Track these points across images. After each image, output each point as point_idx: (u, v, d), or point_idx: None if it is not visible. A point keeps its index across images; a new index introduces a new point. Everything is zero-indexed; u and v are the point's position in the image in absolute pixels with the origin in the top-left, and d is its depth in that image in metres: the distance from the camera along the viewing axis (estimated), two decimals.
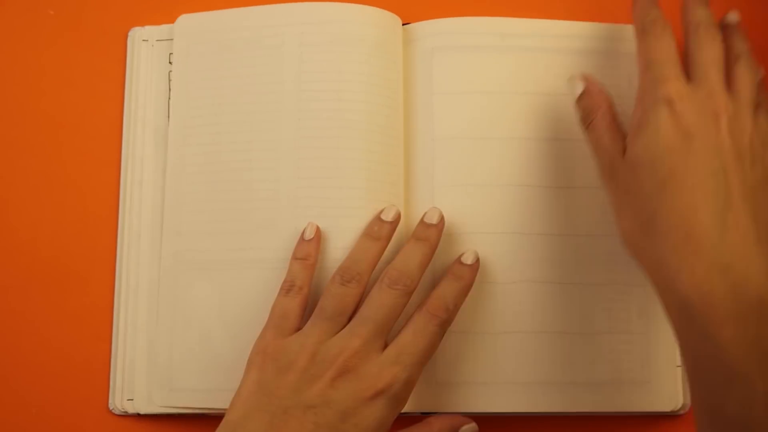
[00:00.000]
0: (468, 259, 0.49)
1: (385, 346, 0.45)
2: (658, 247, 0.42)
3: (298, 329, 0.46)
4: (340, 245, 0.49)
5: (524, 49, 0.54)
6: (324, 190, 0.50)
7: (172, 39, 0.54)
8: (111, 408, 0.51)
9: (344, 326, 0.45)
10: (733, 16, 0.50)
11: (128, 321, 0.51)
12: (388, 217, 0.49)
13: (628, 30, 0.53)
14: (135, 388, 0.51)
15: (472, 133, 0.52)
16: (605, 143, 0.46)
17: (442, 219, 0.49)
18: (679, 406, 0.50)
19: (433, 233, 0.48)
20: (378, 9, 0.53)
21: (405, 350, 0.44)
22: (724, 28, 0.49)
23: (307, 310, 0.47)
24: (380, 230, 0.48)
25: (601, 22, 0.55)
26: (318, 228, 0.49)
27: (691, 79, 0.45)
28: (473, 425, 0.46)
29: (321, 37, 0.52)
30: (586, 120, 0.48)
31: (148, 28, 0.55)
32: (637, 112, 0.45)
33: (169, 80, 0.54)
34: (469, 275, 0.49)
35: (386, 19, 0.53)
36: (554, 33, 0.54)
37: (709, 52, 0.46)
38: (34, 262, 0.53)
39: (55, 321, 0.52)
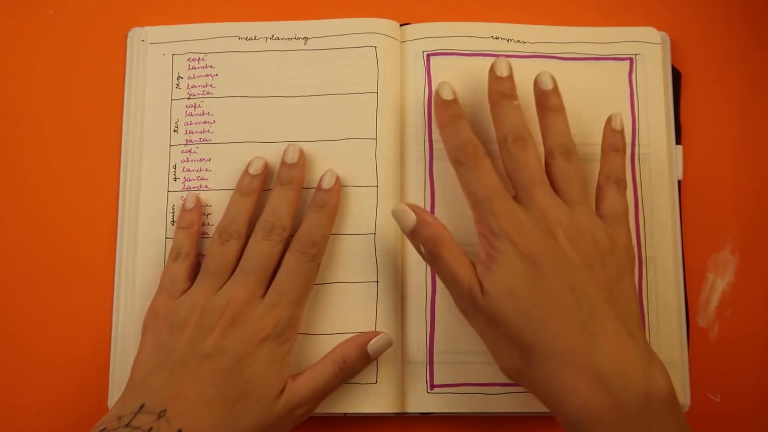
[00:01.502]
0: (327, 183, 0.50)
1: (266, 291, 0.47)
2: (541, 374, 0.42)
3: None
4: None
5: (520, 54, 0.54)
6: None
7: (171, 41, 0.54)
8: (111, 407, 0.51)
9: (227, 280, 0.48)
10: (546, 82, 0.49)
11: (127, 321, 0.51)
12: (255, 170, 0.50)
13: (621, 32, 0.54)
14: None
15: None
16: (461, 276, 0.45)
17: (302, 155, 0.50)
18: None
19: (297, 173, 0.50)
20: (354, 19, 0.54)
21: (283, 291, 0.47)
22: (538, 102, 0.50)
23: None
24: (250, 185, 0.50)
25: (595, 27, 0.55)
26: (198, 197, 0.51)
27: (518, 198, 0.47)
28: (383, 336, 0.48)
29: (299, 52, 0.54)
30: (433, 252, 0.47)
31: (147, 28, 0.55)
32: (483, 245, 0.46)
33: (176, 86, 0.54)
34: (332, 200, 0.50)
35: (364, 27, 0.54)
36: (550, 39, 0.55)
37: (526, 167, 0.47)
38: (34, 262, 0.53)
39: (55, 321, 0.52)
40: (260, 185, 0.50)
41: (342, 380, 0.48)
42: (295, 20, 0.54)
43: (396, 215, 0.48)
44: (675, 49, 0.55)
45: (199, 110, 0.53)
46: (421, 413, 0.50)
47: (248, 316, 0.46)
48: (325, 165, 0.51)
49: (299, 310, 0.47)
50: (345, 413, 0.49)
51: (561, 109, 0.49)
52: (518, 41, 0.54)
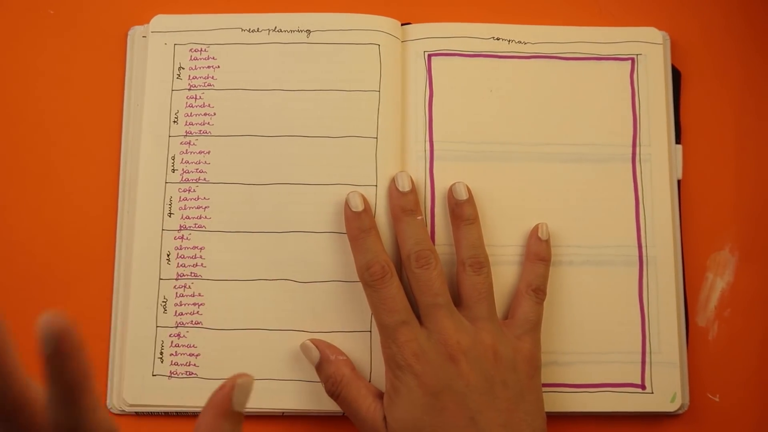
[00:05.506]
0: None
1: None
2: None
3: None
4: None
5: (521, 55, 0.54)
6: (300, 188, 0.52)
7: (173, 31, 0.54)
8: (109, 407, 0.51)
9: None
10: (461, 192, 0.50)
11: (126, 318, 0.51)
12: None
13: (623, 32, 0.55)
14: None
15: (466, 136, 0.53)
16: (363, 412, 0.47)
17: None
18: (678, 406, 0.50)
19: None
20: (357, 15, 0.54)
21: None
22: (452, 212, 0.50)
23: None
24: None
25: (598, 26, 0.55)
26: None
27: (421, 319, 0.47)
28: (240, 384, 0.34)
29: (301, 45, 0.53)
30: (334, 392, 0.48)
31: (147, 27, 0.55)
32: (388, 375, 0.46)
33: (177, 76, 0.54)
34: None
35: (367, 23, 0.54)
36: (551, 39, 0.55)
37: (430, 287, 0.47)
38: (33, 262, 0.53)
39: None
40: None
41: None
42: (298, 12, 0.54)
43: (302, 350, 0.49)
44: (675, 48, 0.55)
45: (199, 102, 0.53)
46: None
47: None
48: (325, 162, 0.51)
49: None
50: (343, 412, 0.49)
51: (475, 219, 0.50)
52: (519, 42, 0.54)
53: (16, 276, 0.53)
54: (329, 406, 0.49)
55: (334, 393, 0.48)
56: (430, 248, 0.48)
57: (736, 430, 0.51)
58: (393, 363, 0.46)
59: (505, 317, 0.50)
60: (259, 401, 0.50)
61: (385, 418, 0.46)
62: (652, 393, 0.50)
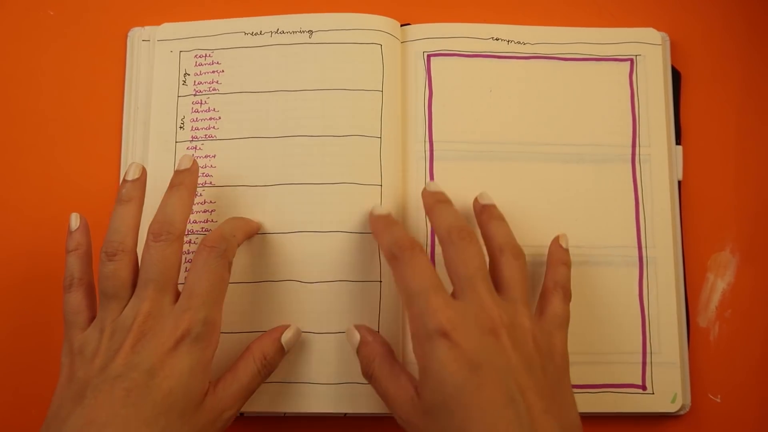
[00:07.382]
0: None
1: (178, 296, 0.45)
2: None
3: (95, 317, 0.45)
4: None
5: (520, 56, 0.54)
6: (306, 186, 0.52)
7: (179, 38, 0.55)
8: None
9: (131, 297, 0.44)
10: (486, 197, 0.50)
11: None
12: (132, 175, 0.47)
13: (622, 33, 0.55)
14: None
15: (465, 136, 0.53)
16: (392, 393, 0.44)
17: (194, 163, 0.48)
18: (679, 407, 0.50)
19: (186, 177, 0.47)
20: (358, 15, 0.54)
21: (194, 293, 0.43)
22: (481, 213, 0.50)
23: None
24: (129, 192, 0.46)
25: (597, 27, 0.56)
26: (82, 217, 0.47)
27: (457, 293, 0.44)
28: (293, 327, 0.49)
29: (303, 45, 0.54)
30: (367, 372, 0.47)
31: (148, 28, 0.55)
32: (418, 351, 0.42)
33: (182, 83, 0.54)
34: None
35: (369, 23, 0.54)
36: (550, 39, 0.55)
37: (470, 260, 0.44)
38: (34, 262, 0.53)
39: (56, 321, 0.52)
40: (139, 191, 0.46)
41: (264, 376, 0.46)
42: (300, 14, 0.54)
43: (347, 336, 0.49)
44: (675, 49, 0.55)
45: (204, 107, 0.53)
46: (346, 414, 0.50)
47: (158, 326, 0.43)
48: (330, 161, 0.51)
49: (215, 312, 0.44)
50: (345, 413, 0.49)
51: (504, 218, 0.49)
52: (518, 42, 0.54)
53: (20, 276, 0.53)
54: (332, 407, 0.49)
55: (367, 373, 0.46)
56: (470, 228, 0.46)
57: (737, 430, 0.52)
58: (423, 334, 0.41)
59: None
60: (261, 403, 0.50)
61: (418, 396, 0.43)
62: (653, 394, 0.50)
